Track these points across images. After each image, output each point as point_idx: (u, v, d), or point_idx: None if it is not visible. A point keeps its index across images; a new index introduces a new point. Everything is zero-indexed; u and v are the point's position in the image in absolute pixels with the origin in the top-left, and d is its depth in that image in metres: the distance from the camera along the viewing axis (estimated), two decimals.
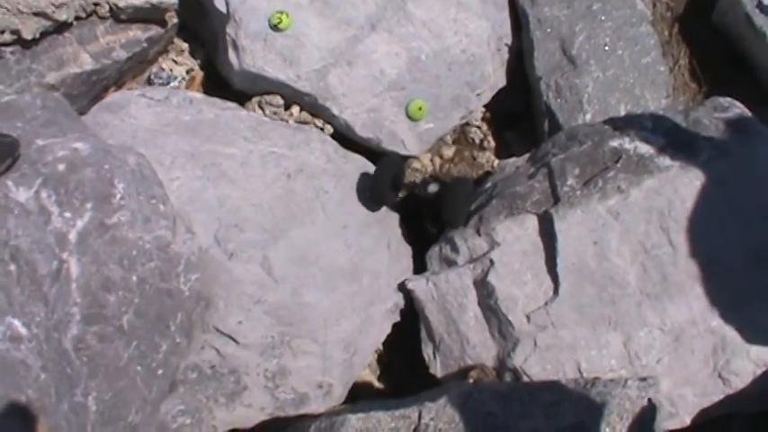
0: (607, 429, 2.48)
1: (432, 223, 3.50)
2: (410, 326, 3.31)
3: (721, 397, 2.94)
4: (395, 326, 3.35)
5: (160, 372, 2.53)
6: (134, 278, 2.44)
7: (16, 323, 2.17)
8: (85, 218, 2.37)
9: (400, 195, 3.50)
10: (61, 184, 2.36)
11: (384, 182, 3.33)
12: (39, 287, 2.24)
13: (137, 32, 3.55)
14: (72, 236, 2.34)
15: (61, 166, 2.39)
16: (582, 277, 2.95)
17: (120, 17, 3.45)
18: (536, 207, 3.10)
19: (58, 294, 2.27)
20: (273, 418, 3.01)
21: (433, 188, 3.36)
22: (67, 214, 2.34)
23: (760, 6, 3.82)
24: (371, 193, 3.35)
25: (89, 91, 3.43)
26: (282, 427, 2.99)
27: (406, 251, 3.52)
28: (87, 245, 2.35)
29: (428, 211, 3.48)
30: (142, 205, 2.51)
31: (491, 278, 3.01)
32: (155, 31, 3.60)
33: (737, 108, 3.22)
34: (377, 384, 3.48)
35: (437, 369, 3.17)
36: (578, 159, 3.15)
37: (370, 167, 3.55)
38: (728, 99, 3.29)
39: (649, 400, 2.55)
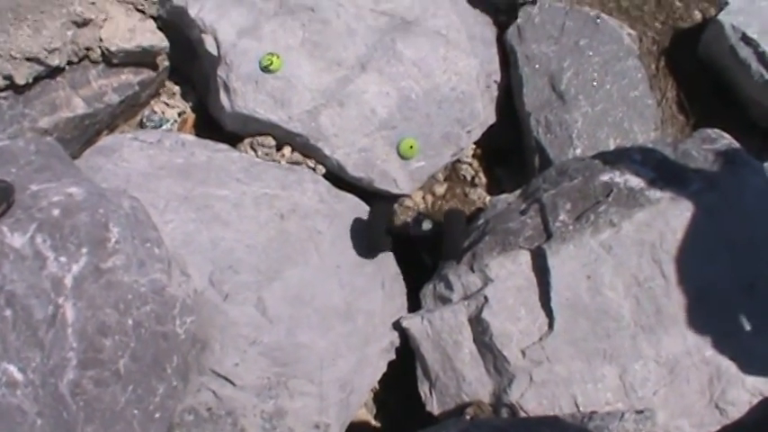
0: None
1: (429, 255, 3.50)
2: (406, 364, 3.30)
3: (718, 428, 2.93)
4: (390, 364, 3.34)
5: (157, 415, 2.52)
6: (130, 322, 2.43)
7: (12, 369, 2.17)
8: (81, 262, 2.37)
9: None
10: (56, 228, 2.37)
11: (378, 229, 3.33)
12: (34, 332, 2.23)
13: (128, 76, 3.57)
14: (68, 280, 2.34)
15: (56, 211, 2.40)
16: (576, 312, 2.96)
17: (111, 61, 3.48)
18: (529, 243, 3.11)
19: (53, 339, 2.27)
20: None
21: (426, 225, 3.36)
22: (63, 259, 2.35)
23: (744, 39, 3.86)
24: (367, 242, 3.35)
25: (82, 135, 3.45)
26: None
27: (401, 289, 3.52)
28: (83, 289, 2.35)
29: (423, 246, 3.48)
30: (137, 249, 2.52)
31: (485, 314, 3.01)
32: (146, 74, 3.63)
33: (725, 139, 3.24)
34: (374, 423, 3.47)
35: (434, 406, 3.16)
36: (569, 194, 3.17)
37: (363, 207, 3.56)
38: (716, 130, 3.31)
39: (649, 428, 2.56)
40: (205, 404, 2.85)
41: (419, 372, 3.22)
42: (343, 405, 3.10)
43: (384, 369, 3.32)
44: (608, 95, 3.84)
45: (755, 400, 2.92)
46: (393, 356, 3.34)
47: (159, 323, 2.52)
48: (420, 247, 3.48)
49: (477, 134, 3.88)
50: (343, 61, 3.56)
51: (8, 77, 3.15)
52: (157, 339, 2.51)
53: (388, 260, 3.50)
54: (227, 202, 3.14)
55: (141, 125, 3.79)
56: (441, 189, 4.04)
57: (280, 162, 3.54)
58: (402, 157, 3.59)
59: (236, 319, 2.88)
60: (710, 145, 3.21)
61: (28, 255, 2.31)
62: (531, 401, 2.94)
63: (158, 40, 3.58)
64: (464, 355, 3.09)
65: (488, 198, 3.97)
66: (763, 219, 2.98)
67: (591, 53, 3.92)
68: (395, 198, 3.73)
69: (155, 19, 3.66)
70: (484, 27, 4.12)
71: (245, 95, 3.44)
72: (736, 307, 2.93)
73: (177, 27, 3.71)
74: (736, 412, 2.92)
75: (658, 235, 2.95)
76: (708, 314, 2.93)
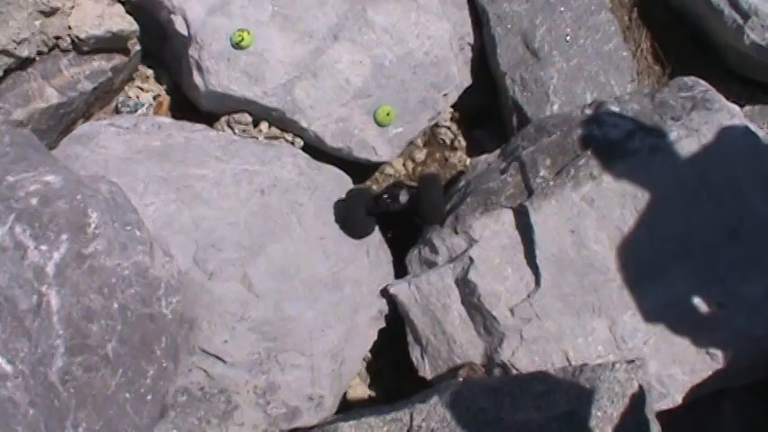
0: (598, 414, 2.50)
1: (419, 219, 3.49)
2: (396, 331, 3.31)
3: (710, 373, 2.95)
4: (381, 332, 3.35)
5: (149, 397, 2.52)
6: (115, 305, 2.43)
7: (1, 361, 2.17)
8: (62, 249, 2.36)
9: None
10: (35, 217, 2.35)
11: (359, 218, 3.35)
12: (20, 323, 2.23)
13: (101, 62, 3.54)
14: (50, 268, 2.33)
15: (34, 200, 2.38)
16: (562, 267, 2.97)
17: (82, 49, 3.45)
18: (510, 201, 3.11)
19: (40, 328, 2.27)
20: None
21: (403, 198, 3.35)
22: (44, 247, 2.34)
23: None
24: (350, 231, 3.35)
25: (57, 125, 3.42)
26: None
27: (386, 256, 3.52)
28: (66, 276, 2.34)
29: (410, 214, 3.47)
30: (118, 233, 2.51)
31: (472, 276, 3.02)
32: (119, 59, 3.60)
33: (702, 86, 3.24)
34: (368, 392, 3.48)
35: (426, 371, 3.18)
36: (548, 150, 3.17)
37: (344, 177, 3.57)
38: (692, 78, 3.31)
39: (641, 377, 2.57)
40: (197, 383, 2.85)
41: (410, 337, 3.23)
42: (335, 376, 3.11)
43: (375, 337, 3.33)
44: (582, 50, 3.83)
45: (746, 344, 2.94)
46: (383, 324, 3.35)
47: (145, 305, 2.52)
48: (408, 215, 3.47)
49: (453, 97, 3.87)
50: (314, 32, 3.54)
51: None
52: (144, 321, 2.51)
53: None
54: (206, 181, 3.13)
55: (117, 111, 3.76)
56: (421, 154, 4.03)
57: (257, 138, 3.53)
58: (379, 124, 3.59)
59: (222, 296, 2.88)
60: (687, 92, 3.21)
61: (8, 246, 2.30)
62: (522, 359, 2.96)
63: (128, 24, 3.54)
64: (453, 317, 3.10)
65: (469, 160, 3.97)
66: (742, 163, 2.99)
67: (562, 9, 3.91)
68: (372, 170, 3.71)
69: (123, 3, 3.63)
70: None
71: (218, 74, 3.43)
72: (721, 252, 2.94)
73: (146, 10, 3.67)
74: (728, 357, 2.94)
75: (640, 185, 2.96)
76: (693, 262, 2.94)
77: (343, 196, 3.40)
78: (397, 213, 3.37)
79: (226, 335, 2.86)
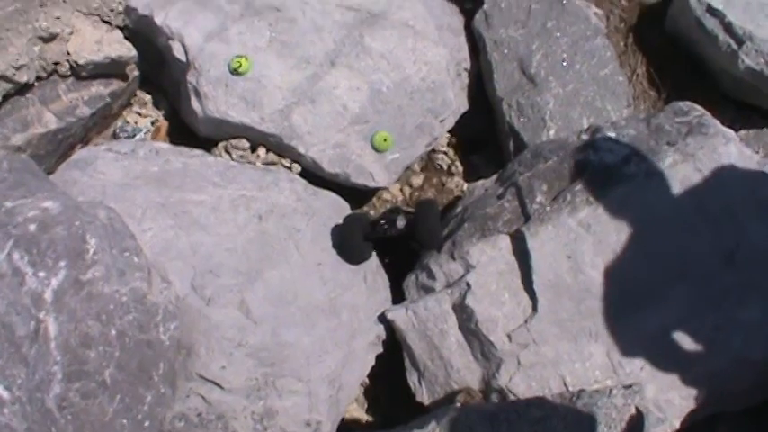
0: None
1: (417, 244, 3.49)
2: (394, 356, 3.31)
3: (707, 398, 2.95)
4: (378, 358, 3.34)
5: (147, 423, 2.52)
6: (113, 332, 2.43)
7: None
8: (60, 276, 2.37)
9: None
10: (33, 244, 2.36)
11: (355, 244, 3.36)
12: (18, 349, 2.23)
13: (99, 88, 3.56)
14: (48, 295, 2.33)
15: (32, 227, 2.39)
16: (559, 292, 2.97)
17: (81, 74, 3.47)
18: (507, 227, 3.12)
19: (37, 355, 2.27)
20: None
21: (401, 223, 3.36)
22: (42, 274, 2.34)
23: (709, 10, 3.86)
24: (347, 257, 3.36)
25: (56, 150, 3.44)
26: None
27: (383, 282, 3.52)
28: (63, 303, 2.35)
29: (408, 239, 3.48)
30: (116, 259, 2.51)
31: (469, 301, 3.02)
32: (117, 85, 3.62)
33: (697, 111, 3.25)
34: (365, 417, 3.47)
35: (424, 396, 3.17)
36: (545, 176, 3.18)
37: (341, 203, 3.58)
38: (688, 103, 3.32)
39: (636, 408, 2.57)
40: (195, 409, 2.85)
41: (407, 363, 3.22)
42: (333, 401, 3.10)
43: (372, 363, 3.32)
44: (578, 75, 3.85)
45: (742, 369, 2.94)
46: (380, 350, 3.35)
47: (143, 331, 2.52)
48: (405, 240, 3.47)
49: (450, 123, 3.88)
50: (311, 58, 3.56)
51: None
52: (142, 347, 2.51)
53: None
54: (204, 206, 3.14)
55: (115, 136, 3.78)
56: (418, 180, 4.04)
57: (255, 163, 3.54)
58: (376, 150, 3.59)
59: (219, 322, 2.88)
60: (683, 117, 3.22)
61: (6, 272, 2.31)
62: (520, 385, 2.95)
63: (126, 50, 3.57)
64: (450, 343, 3.09)
65: (466, 186, 3.98)
66: (737, 188, 2.99)
67: (559, 34, 3.93)
68: (369, 195, 3.72)
69: (121, 29, 3.65)
70: (451, 16, 4.11)
71: (216, 99, 3.44)
72: (718, 277, 2.95)
73: (144, 36, 3.70)
74: (724, 381, 2.94)
75: (636, 210, 2.96)
76: (690, 286, 2.94)
77: (341, 222, 3.41)
78: (395, 239, 3.37)
79: (223, 361, 2.86)
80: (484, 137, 4.13)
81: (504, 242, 3.09)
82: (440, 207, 3.60)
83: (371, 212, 3.92)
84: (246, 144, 3.56)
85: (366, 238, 3.39)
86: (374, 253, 3.48)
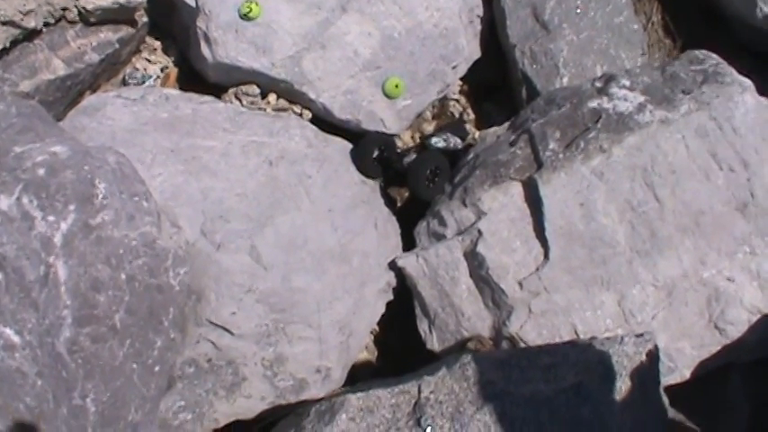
0: (607, 387, 2.49)
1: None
2: (404, 303, 3.31)
3: (719, 348, 2.95)
4: (389, 305, 3.35)
5: (157, 368, 2.52)
6: (123, 276, 2.42)
7: (8, 332, 2.16)
8: (69, 220, 2.35)
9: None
10: (42, 188, 2.34)
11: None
12: (28, 293, 2.22)
13: (107, 34, 3.53)
14: (57, 239, 2.32)
15: (41, 171, 2.37)
16: (571, 240, 2.95)
17: (89, 20, 3.43)
18: (520, 174, 3.10)
19: (47, 299, 2.26)
20: (275, 406, 3.01)
21: (407, 159, 3.39)
22: (51, 218, 2.33)
23: None
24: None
25: (65, 96, 3.41)
26: (284, 414, 2.98)
27: (394, 229, 3.52)
28: (73, 247, 2.34)
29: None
30: (125, 203, 2.50)
31: (480, 248, 3.00)
32: (125, 31, 3.58)
33: (713, 59, 3.22)
34: (376, 365, 3.48)
35: (434, 344, 3.17)
36: (558, 123, 3.15)
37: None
38: (704, 51, 3.29)
39: (649, 351, 2.55)
40: (205, 355, 2.85)
41: (417, 310, 3.22)
42: (343, 348, 3.11)
43: (382, 310, 3.33)
44: (592, 23, 3.80)
45: (755, 319, 2.94)
46: (391, 297, 3.35)
47: (152, 276, 2.51)
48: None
49: (462, 70, 3.86)
50: (322, 3, 3.52)
51: None
52: (152, 292, 2.51)
53: (379, 201, 3.51)
54: (214, 152, 3.12)
55: (124, 83, 3.75)
56: (429, 127, 4.02)
57: (265, 110, 3.52)
58: (388, 96, 3.57)
59: (230, 267, 2.88)
60: (698, 66, 3.19)
61: (15, 216, 2.29)
62: (530, 332, 2.95)
63: None
64: (461, 290, 3.09)
65: (478, 133, 3.95)
66: (752, 137, 2.96)
67: None
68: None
69: None
70: None
71: (225, 45, 3.41)
72: (731, 226, 2.93)
73: None
74: (736, 331, 2.94)
75: (649, 158, 2.94)
76: (703, 235, 2.92)
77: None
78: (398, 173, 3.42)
79: (233, 306, 2.86)
80: (496, 84, 4.10)
81: (516, 189, 3.08)
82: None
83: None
84: (257, 90, 3.54)
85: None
86: (383, 199, 3.51)
